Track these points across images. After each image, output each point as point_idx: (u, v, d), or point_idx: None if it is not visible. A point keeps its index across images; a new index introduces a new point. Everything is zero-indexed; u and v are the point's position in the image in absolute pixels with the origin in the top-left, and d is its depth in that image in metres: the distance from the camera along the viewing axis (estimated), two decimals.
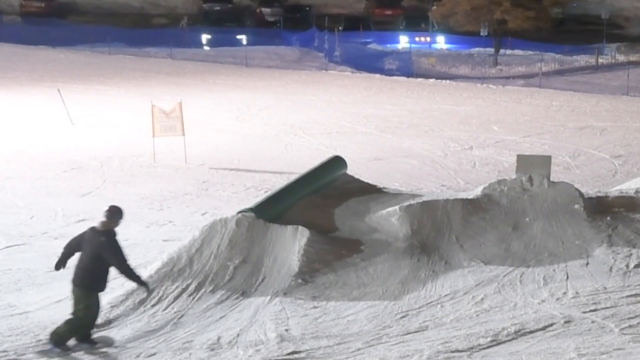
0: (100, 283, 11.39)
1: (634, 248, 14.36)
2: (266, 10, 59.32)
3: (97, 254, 11.23)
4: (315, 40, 49.89)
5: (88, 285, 11.30)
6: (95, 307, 11.44)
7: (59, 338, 11.30)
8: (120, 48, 49.37)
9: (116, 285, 13.31)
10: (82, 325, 11.36)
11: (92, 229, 11.45)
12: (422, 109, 33.61)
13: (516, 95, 37.76)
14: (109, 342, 11.58)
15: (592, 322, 11.82)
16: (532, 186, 15.49)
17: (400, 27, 55.41)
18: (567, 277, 13.45)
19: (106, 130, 27.97)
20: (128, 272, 11.50)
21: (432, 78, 42.59)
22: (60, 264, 11.66)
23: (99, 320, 12.01)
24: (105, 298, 12.84)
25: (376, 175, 21.50)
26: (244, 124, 29.64)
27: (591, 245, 14.46)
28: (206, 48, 51.68)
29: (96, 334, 11.65)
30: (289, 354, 11.13)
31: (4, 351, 11.18)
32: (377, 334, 11.68)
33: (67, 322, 11.34)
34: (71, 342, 11.39)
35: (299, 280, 13.24)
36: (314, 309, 12.55)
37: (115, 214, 11.40)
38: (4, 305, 12.93)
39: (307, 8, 60.02)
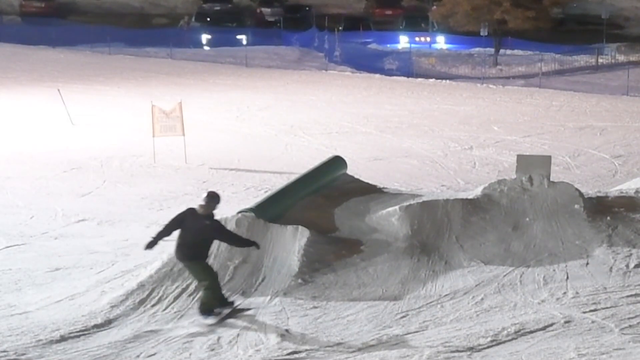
0: (205, 253, 12.46)
1: (634, 248, 14.36)
2: (266, 10, 59.24)
3: (203, 235, 12.26)
4: (315, 40, 49.80)
5: (197, 257, 12.32)
6: (211, 268, 12.52)
7: (206, 307, 12.26)
8: (120, 48, 49.30)
9: (116, 285, 13.36)
10: (215, 286, 12.35)
11: (192, 211, 12.41)
12: (422, 109, 33.57)
13: (516, 95, 37.71)
14: (250, 306, 12.56)
15: (592, 322, 11.82)
16: (532, 186, 15.49)
17: (400, 27, 55.28)
18: (567, 277, 13.45)
19: (106, 130, 27.95)
20: (239, 243, 12.80)
21: (432, 78, 42.52)
22: (154, 243, 12.39)
23: (100, 321, 12.19)
24: (105, 298, 12.90)
25: (376, 175, 21.50)
26: (244, 124, 29.61)
27: (591, 245, 14.46)
28: (206, 48, 51.59)
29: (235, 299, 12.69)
30: (289, 354, 11.13)
31: (4, 351, 11.18)
32: (377, 334, 11.68)
33: (205, 291, 12.33)
34: (217, 310, 12.26)
35: (299, 280, 13.24)
36: (314, 309, 12.55)
37: (213, 198, 12.40)
38: (4, 305, 12.93)
39: (307, 8, 59.92)
